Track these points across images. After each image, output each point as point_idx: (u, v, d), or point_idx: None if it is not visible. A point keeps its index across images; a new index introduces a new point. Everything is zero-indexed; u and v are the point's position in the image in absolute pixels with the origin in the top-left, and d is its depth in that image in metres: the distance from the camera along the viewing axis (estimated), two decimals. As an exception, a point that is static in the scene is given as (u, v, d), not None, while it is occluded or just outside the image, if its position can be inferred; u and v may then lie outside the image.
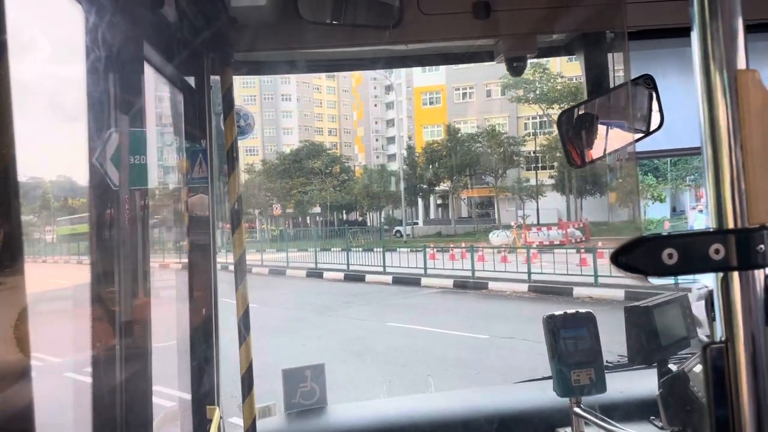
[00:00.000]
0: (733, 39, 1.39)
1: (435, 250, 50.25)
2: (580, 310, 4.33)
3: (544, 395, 4.42)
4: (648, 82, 3.75)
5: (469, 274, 40.25)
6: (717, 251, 1.35)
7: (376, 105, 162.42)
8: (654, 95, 3.76)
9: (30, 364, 1.43)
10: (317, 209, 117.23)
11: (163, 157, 4.71)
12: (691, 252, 1.37)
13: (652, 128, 3.78)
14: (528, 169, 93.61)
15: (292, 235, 68.35)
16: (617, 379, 4.45)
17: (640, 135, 3.78)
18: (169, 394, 4.40)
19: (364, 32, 4.01)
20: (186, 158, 4.20)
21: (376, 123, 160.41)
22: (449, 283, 39.34)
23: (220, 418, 4.18)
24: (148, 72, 3.23)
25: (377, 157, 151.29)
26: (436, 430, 4.63)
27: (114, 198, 2.95)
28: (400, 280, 42.07)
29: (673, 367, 4.07)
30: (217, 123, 4.34)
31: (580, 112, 4.04)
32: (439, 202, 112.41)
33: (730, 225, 1.37)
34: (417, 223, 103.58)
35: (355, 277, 45.23)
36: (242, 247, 4.41)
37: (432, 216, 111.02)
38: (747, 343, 1.37)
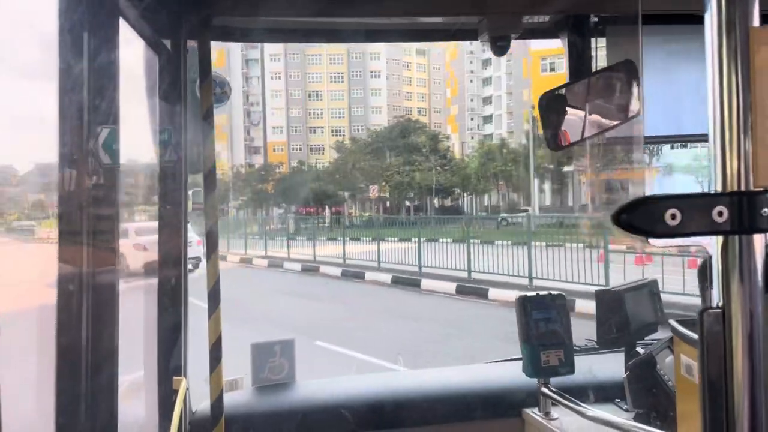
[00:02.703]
0: None
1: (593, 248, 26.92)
2: (552, 292, 4.38)
3: (513, 375, 4.43)
4: (629, 68, 3.75)
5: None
6: (720, 213, 1.35)
7: (471, 81, 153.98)
8: (634, 81, 3.76)
9: None
10: (410, 193, 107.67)
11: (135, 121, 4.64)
12: (695, 213, 1.36)
13: (630, 114, 3.78)
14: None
15: (382, 222, 55.48)
16: (586, 362, 4.47)
17: (619, 121, 3.78)
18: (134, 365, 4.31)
19: (346, 3, 3.99)
20: (159, 124, 4.12)
21: (472, 101, 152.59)
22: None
23: (186, 389, 4.17)
24: (124, 30, 3.11)
25: (472, 137, 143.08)
26: (404, 408, 4.65)
27: (84, 161, 2.86)
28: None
29: (640, 351, 4.11)
30: (192, 89, 4.21)
31: (562, 95, 4.06)
32: (556, 186, 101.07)
33: (735, 188, 1.37)
34: (527, 210, 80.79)
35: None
36: (215, 218, 4.33)
37: (547, 202, 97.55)
38: (744, 309, 1.37)
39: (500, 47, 4.16)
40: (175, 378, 4.06)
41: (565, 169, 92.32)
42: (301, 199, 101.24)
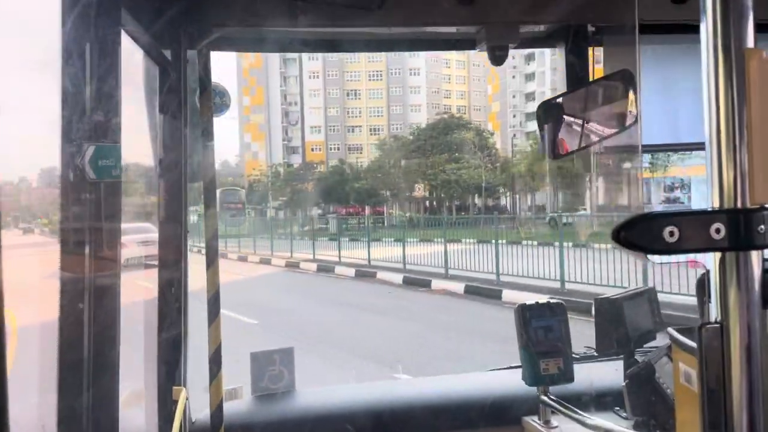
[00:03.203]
0: (742, 19, 1.40)
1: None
2: (551, 301, 4.40)
3: (512, 384, 4.43)
4: (626, 77, 3.77)
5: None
6: (718, 230, 1.37)
7: (514, 77, 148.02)
8: (632, 90, 3.77)
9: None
10: (457, 191, 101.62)
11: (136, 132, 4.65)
12: (692, 230, 1.38)
13: (628, 123, 3.79)
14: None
15: (428, 222, 51.45)
16: (584, 370, 4.48)
17: (616, 130, 3.79)
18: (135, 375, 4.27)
19: (346, 13, 3.99)
20: (159, 135, 4.13)
21: (514, 97, 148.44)
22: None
23: (186, 399, 4.16)
24: (124, 40, 3.17)
25: (514, 135, 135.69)
26: (404, 417, 4.66)
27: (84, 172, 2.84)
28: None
29: (639, 358, 4.12)
30: (192, 100, 4.26)
31: (560, 104, 4.08)
32: (611, 184, 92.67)
33: (732, 205, 1.38)
34: (581, 211, 70.89)
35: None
36: (215, 227, 4.43)
37: (603, 201, 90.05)
38: (742, 324, 1.39)
39: (498, 57, 4.18)
40: (174, 388, 4.07)
41: (625, 165, 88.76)
42: (343, 199, 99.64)
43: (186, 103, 4.17)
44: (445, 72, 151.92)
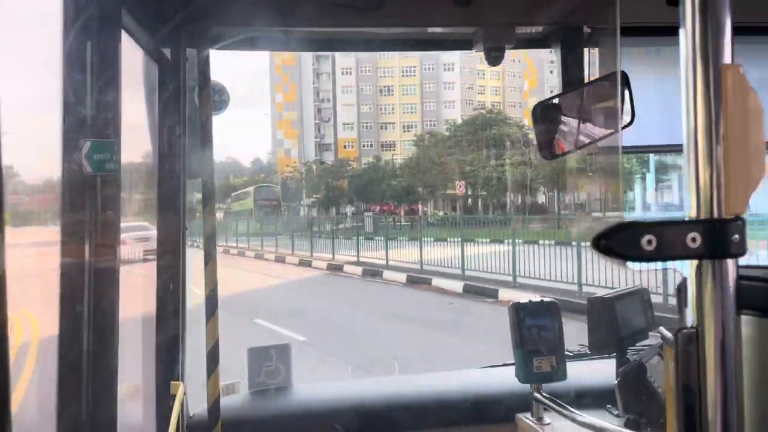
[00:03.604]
0: (720, 34, 1.44)
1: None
2: (545, 299, 4.46)
3: (506, 381, 4.48)
4: (621, 79, 3.80)
5: None
6: (694, 239, 1.40)
7: (551, 72, 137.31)
8: (627, 92, 3.80)
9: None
10: (499, 188, 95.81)
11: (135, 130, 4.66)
12: (669, 239, 1.41)
13: (623, 124, 3.82)
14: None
15: (464, 221, 47.64)
16: (577, 368, 4.52)
17: (611, 130, 3.82)
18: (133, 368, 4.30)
19: (344, 12, 4.03)
20: (159, 132, 4.18)
21: (551, 92, 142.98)
22: None
23: (184, 394, 4.18)
24: (124, 39, 3.20)
25: None
26: (398, 413, 4.69)
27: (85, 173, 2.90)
28: None
29: (631, 357, 4.16)
30: (191, 98, 4.28)
31: (555, 105, 4.13)
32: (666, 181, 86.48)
33: (708, 214, 1.43)
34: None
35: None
36: (213, 224, 4.42)
37: (663, 200, 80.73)
38: (717, 330, 1.43)
39: (495, 57, 4.22)
40: (172, 382, 4.10)
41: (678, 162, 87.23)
42: (377, 197, 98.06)
43: (185, 101, 4.22)
44: (480, 67, 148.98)
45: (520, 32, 4.26)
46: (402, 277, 34.05)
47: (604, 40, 4.12)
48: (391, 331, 22.44)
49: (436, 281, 31.16)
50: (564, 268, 25.41)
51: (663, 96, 4.09)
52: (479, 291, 27.40)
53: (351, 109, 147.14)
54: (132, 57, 3.71)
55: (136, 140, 4.10)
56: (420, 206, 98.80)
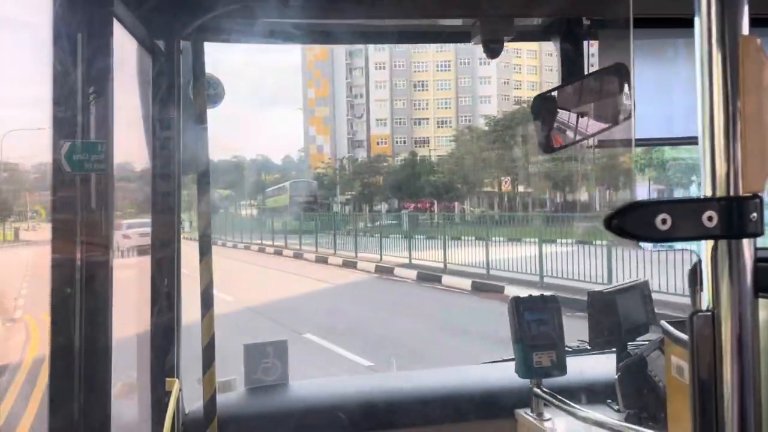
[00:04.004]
0: (738, 6, 1.39)
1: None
2: (545, 294, 4.44)
3: (506, 376, 4.45)
4: (620, 71, 3.77)
5: None
6: (710, 218, 1.36)
7: (593, 65, 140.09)
8: (626, 84, 3.77)
9: None
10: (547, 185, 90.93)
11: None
12: (685, 218, 1.37)
13: (622, 117, 3.79)
14: None
15: (509, 219, 43.31)
16: (577, 363, 4.49)
17: (610, 123, 3.79)
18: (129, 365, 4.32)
19: (340, 4, 4.02)
20: (152, 125, 4.14)
21: None
22: None
23: (180, 390, 4.17)
24: (117, 30, 3.16)
25: None
26: (397, 409, 4.68)
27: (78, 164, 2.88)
28: None
29: (632, 352, 4.13)
30: (185, 91, 4.25)
31: (555, 97, 4.10)
32: None
33: (724, 193, 1.38)
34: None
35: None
36: (208, 220, 4.37)
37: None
38: (734, 312, 1.38)
39: (493, 50, 4.19)
40: (168, 379, 4.10)
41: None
42: (414, 194, 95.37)
43: (179, 94, 4.19)
44: (516, 62, 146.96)
45: (518, 24, 4.23)
46: (465, 283, 28.97)
47: (606, 32, 4.08)
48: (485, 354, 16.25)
49: (510, 289, 24.76)
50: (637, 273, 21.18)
51: (669, 87, 4.06)
52: (571, 304, 19.88)
53: (384, 104, 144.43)
54: (125, 48, 3.67)
55: (129, 134, 4.09)
56: (457, 204, 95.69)
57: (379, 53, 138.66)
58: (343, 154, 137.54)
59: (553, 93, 4.08)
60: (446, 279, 30.41)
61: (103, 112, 3.04)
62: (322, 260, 43.71)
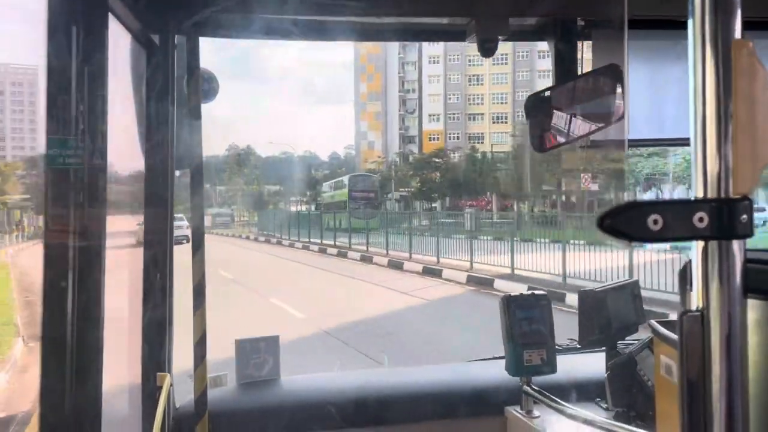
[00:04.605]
0: (731, 10, 1.41)
1: None
2: (536, 292, 4.47)
3: (496, 374, 4.50)
4: (614, 72, 3.78)
5: None
6: (701, 219, 1.38)
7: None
8: (619, 85, 3.79)
9: None
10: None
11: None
12: (676, 219, 1.39)
13: (615, 118, 3.81)
14: None
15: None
16: (567, 361, 4.53)
17: (603, 124, 3.81)
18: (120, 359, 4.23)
19: (335, 1, 4.00)
20: (146, 120, 4.15)
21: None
22: None
23: (171, 385, 4.19)
24: (112, 24, 3.16)
25: None
26: (387, 405, 4.70)
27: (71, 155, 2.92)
28: None
29: (621, 351, 4.15)
30: (179, 86, 4.24)
31: (548, 97, 4.12)
32: None
33: (715, 194, 1.41)
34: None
35: None
36: (201, 215, 4.42)
37: None
38: (723, 313, 1.41)
39: (488, 49, 4.21)
40: (159, 374, 4.12)
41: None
42: (473, 191, 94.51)
43: (174, 89, 4.20)
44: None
45: (513, 24, 4.25)
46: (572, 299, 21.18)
47: (600, 32, 4.10)
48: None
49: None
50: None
51: (662, 89, 4.08)
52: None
53: (437, 99, 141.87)
54: (119, 42, 3.69)
55: (124, 128, 4.12)
56: (516, 203, 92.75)
57: (433, 47, 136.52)
58: (395, 150, 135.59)
59: (546, 93, 4.11)
60: (571, 298, 21.79)
61: (98, 106, 3.05)
62: (396, 266, 37.56)
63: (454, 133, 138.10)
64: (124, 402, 4.28)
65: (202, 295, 4.33)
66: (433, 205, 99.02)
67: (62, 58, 2.83)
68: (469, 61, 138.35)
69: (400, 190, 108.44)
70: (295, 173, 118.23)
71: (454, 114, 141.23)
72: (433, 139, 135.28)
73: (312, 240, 55.88)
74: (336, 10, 4.14)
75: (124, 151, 4.36)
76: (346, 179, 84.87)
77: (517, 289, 26.48)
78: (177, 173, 4.36)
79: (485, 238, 37.46)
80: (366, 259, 42.44)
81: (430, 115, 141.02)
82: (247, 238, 76.86)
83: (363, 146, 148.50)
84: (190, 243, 4.31)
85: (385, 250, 42.52)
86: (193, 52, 4.17)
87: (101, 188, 3.11)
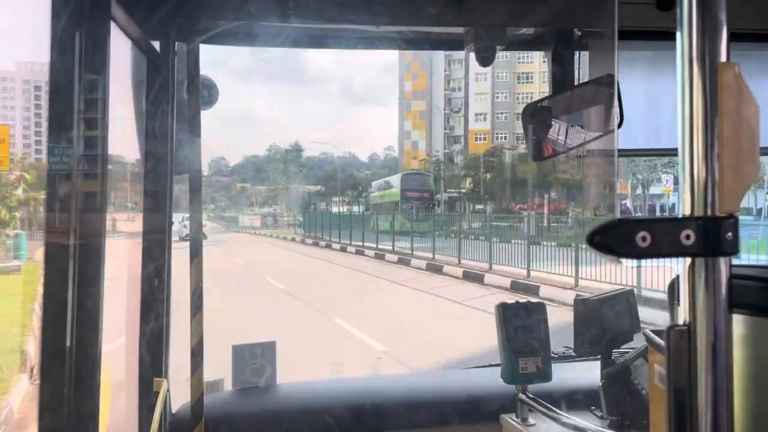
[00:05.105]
0: (717, 32, 1.45)
1: None
2: (532, 300, 4.48)
3: (491, 381, 4.49)
4: (609, 82, 3.80)
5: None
6: (688, 237, 1.41)
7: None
8: (615, 95, 3.80)
9: None
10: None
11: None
12: (664, 236, 1.42)
13: (609, 128, 3.82)
14: None
15: None
16: (562, 369, 4.54)
17: (599, 133, 3.82)
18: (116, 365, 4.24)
19: (335, 10, 4.04)
20: (146, 126, 4.17)
21: None
22: None
23: (167, 390, 4.21)
24: (113, 31, 3.17)
25: None
26: (382, 412, 4.70)
27: (73, 161, 2.95)
28: None
29: (616, 359, 4.16)
30: (180, 93, 4.26)
31: (544, 107, 4.14)
32: None
33: (702, 212, 1.44)
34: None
35: None
36: (199, 221, 4.38)
37: None
38: (709, 327, 1.44)
39: (485, 58, 4.23)
40: (155, 379, 4.13)
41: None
42: (534, 193, 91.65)
43: (174, 95, 4.23)
44: None
45: (511, 33, 4.28)
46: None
47: (596, 43, 4.12)
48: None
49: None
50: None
51: (656, 99, 4.09)
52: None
53: (484, 98, 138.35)
54: (121, 48, 3.71)
55: (124, 133, 4.16)
56: (570, 205, 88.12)
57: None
58: (439, 149, 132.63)
59: (543, 102, 4.14)
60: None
61: (99, 112, 3.06)
62: (474, 278, 33.63)
63: (501, 133, 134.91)
64: (121, 407, 4.27)
65: (199, 301, 4.34)
66: (481, 206, 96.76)
67: (65, 64, 2.87)
68: (519, 58, 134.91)
69: (449, 190, 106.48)
70: (337, 174, 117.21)
71: (501, 113, 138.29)
72: (479, 139, 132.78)
73: (365, 244, 52.48)
74: (335, 18, 4.17)
75: (124, 156, 4.40)
76: (396, 178, 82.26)
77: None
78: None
79: (549, 243, 34.97)
80: (434, 268, 38.48)
81: (476, 114, 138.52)
82: (293, 239, 74.50)
83: (407, 146, 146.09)
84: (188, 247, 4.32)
85: (456, 258, 39.39)
86: (193, 59, 4.20)
87: (102, 195, 3.12)
